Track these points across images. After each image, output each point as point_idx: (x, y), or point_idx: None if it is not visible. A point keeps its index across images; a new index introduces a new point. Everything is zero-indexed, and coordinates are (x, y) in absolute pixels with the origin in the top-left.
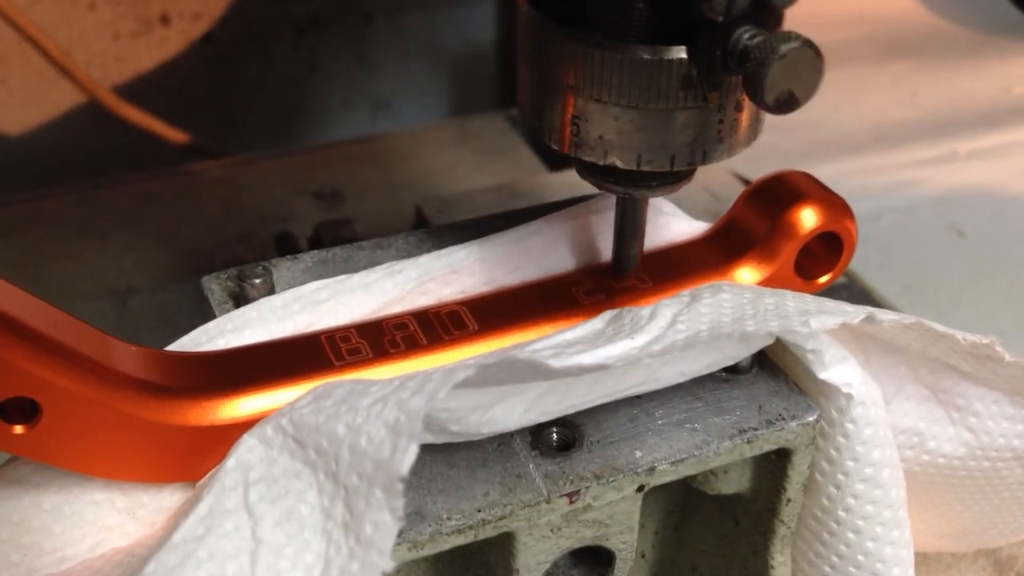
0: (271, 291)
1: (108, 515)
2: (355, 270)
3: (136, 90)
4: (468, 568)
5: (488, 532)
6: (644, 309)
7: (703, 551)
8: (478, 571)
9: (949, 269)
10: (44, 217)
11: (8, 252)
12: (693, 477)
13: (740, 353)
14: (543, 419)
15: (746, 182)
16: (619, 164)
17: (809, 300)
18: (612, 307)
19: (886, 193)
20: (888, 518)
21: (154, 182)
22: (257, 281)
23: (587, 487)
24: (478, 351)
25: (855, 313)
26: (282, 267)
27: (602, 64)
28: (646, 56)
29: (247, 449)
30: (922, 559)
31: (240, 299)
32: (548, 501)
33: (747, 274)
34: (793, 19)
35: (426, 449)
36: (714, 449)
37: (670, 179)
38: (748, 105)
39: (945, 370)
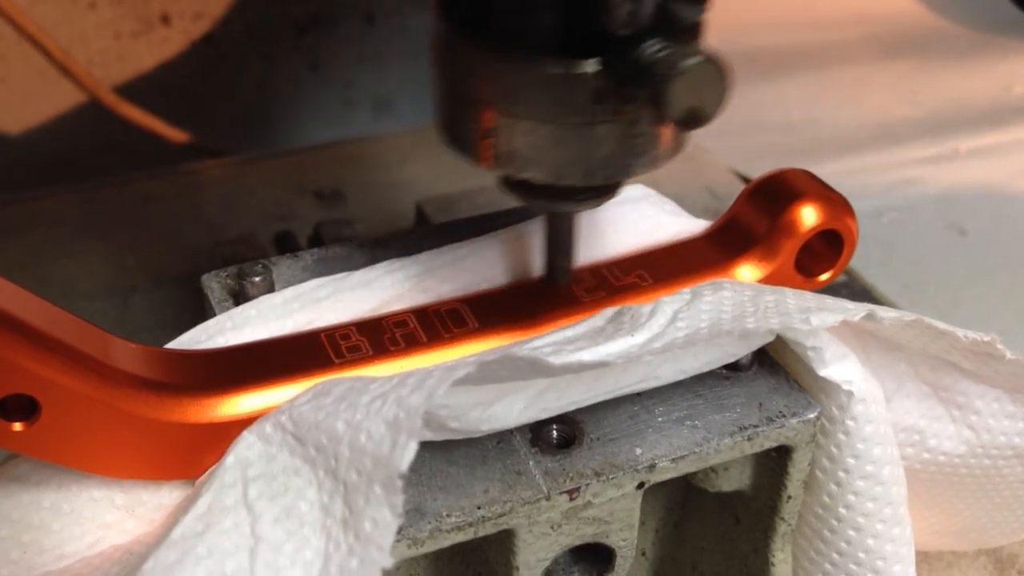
0: (271, 289)
1: (107, 512)
2: (355, 268)
3: (137, 89)
4: (468, 565)
5: (488, 529)
6: (644, 306)
7: (703, 548)
8: (478, 568)
9: (950, 267)
10: (45, 216)
11: (8, 252)
12: (693, 474)
13: (740, 350)
14: (543, 416)
15: (746, 180)
16: (535, 179)
17: (809, 297)
18: (612, 305)
19: (887, 191)
20: (889, 515)
21: (155, 182)
22: (257, 279)
23: (587, 484)
24: (478, 348)
25: (856, 310)
26: (282, 265)
27: (514, 78)
28: (557, 70)
29: (246, 446)
30: (923, 557)
31: (240, 297)
32: (548, 498)
33: (748, 272)
34: (794, 19)
35: (426, 446)
36: (714, 446)
37: (594, 193)
38: None
39: (946, 368)
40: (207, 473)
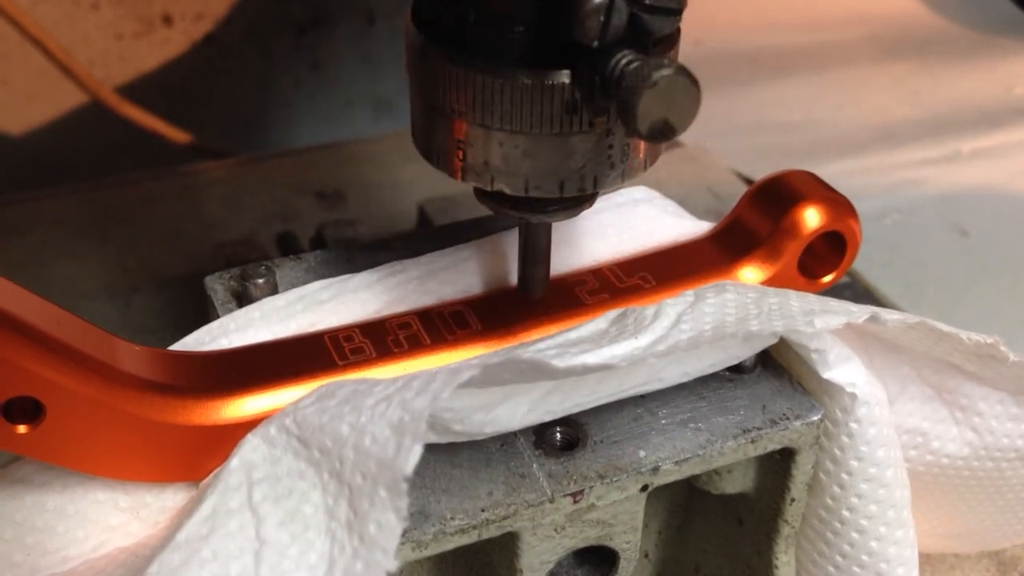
0: (274, 291)
1: (111, 515)
2: (358, 270)
3: (138, 90)
4: (471, 568)
5: (492, 532)
6: (648, 309)
7: (707, 551)
8: (481, 571)
9: (952, 268)
10: (45, 217)
11: (9, 252)
12: (697, 477)
13: (744, 353)
14: (547, 419)
15: (749, 182)
16: (506, 190)
17: (813, 300)
18: (616, 307)
19: (889, 193)
20: (892, 518)
21: (156, 182)
22: (260, 281)
23: (591, 487)
24: (481, 351)
25: (859, 313)
26: (285, 267)
27: (484, 88)
28: (527, 81)
29: (251, 449)
30: (926, 559)
31: (243, 299)
32: (552, 501)
33: (751, 273)
34: (795, 20)
35: (430, 449)
36: (718, 449)
37: (567, 204)
38: None
39: (949, 370)
40: (211, 476)
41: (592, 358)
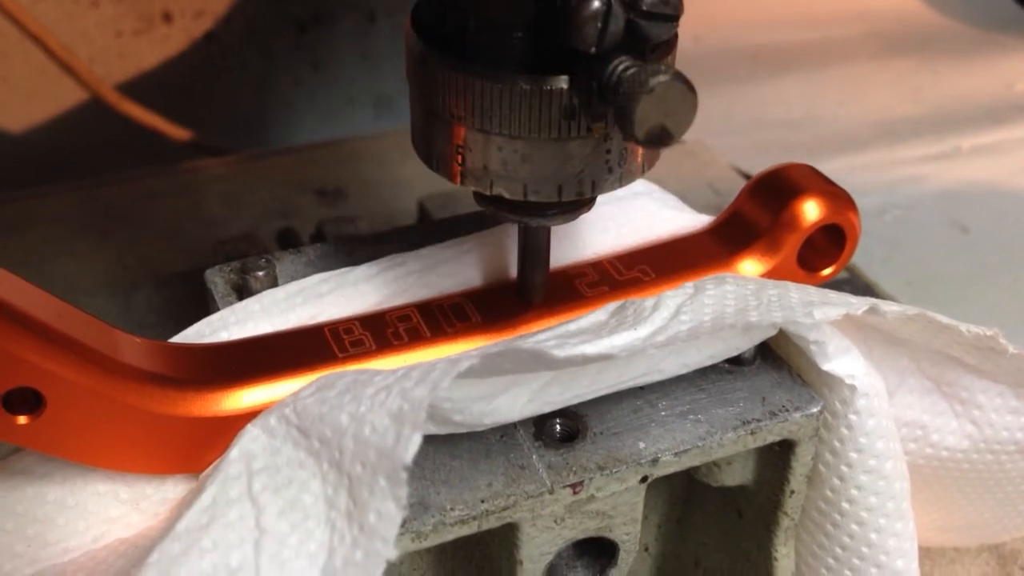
0: (274, 284)
1: (112, 506)
2: (358, 263)
3: (138, 87)
4: (471, 559)
5: (491, 523)
6: (648, 300)
7: (706, 544)
8: (481, 562)
9: (952, 265)
10: (46, 214)
11: (10, 249)
12: (696, 469)
13: (743, 344)
14: (546, 410)
15: (748, 177)
16: (505, 195)
17: (812, 291)
18: (616, 300)
19: (889, 189)
20: (892, 510)
21: (156, 179)
22: (260, 274)
23: (590, 478)
24: (481, 343)
25: (859, 304)
26: (285, 260)
27: (483, 94)
28: (526, 86)
29: (251, 439)
30: (925, 553)
31: (243, 291)
32: (551, 492)
33: (750, 266)
34: (796, 16)
35: (429, 440)
36: (717, 440)
37: (566, 208)
38: None
39: (948, 362)
40: (211, 466)
41: (592, 348)
